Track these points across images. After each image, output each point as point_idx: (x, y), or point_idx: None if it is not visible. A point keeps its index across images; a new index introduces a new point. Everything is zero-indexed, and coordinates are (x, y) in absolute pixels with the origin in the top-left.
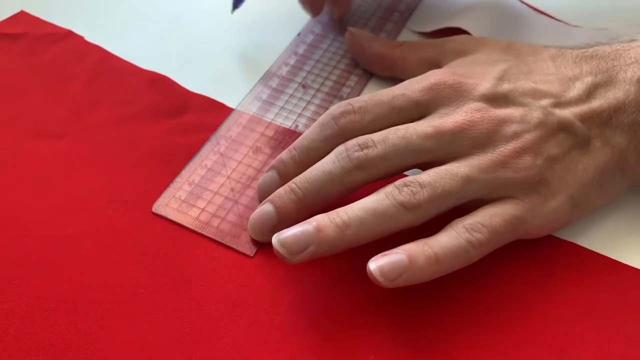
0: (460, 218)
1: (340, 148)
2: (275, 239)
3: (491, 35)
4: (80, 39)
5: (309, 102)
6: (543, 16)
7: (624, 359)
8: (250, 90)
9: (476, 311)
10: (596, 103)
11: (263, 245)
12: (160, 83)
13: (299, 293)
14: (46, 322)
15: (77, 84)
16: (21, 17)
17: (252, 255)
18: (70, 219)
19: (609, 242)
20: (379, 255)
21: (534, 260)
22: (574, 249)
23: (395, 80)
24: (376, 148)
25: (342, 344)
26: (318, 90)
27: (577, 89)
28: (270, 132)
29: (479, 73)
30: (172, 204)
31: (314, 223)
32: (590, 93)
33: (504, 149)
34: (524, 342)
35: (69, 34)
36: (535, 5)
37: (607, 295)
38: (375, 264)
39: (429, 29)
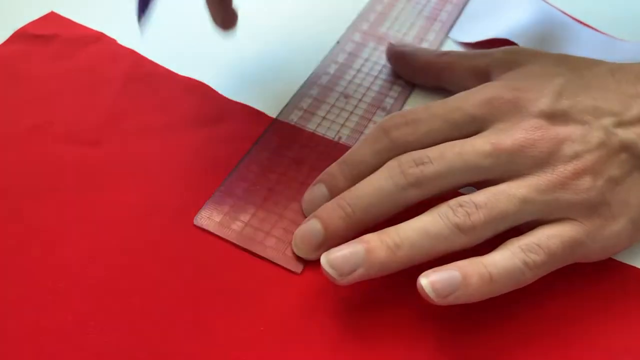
0: (516, 238)
1: (393, 163)
2: (324, 259)
3: (538, 47)
4: (112, 42)
5: (351, 113)
6: (588, 29)
7: None
8: (291, 98)
9: (526, 333)
10: None
11: (310, 262)
12: (197, 90)
13: (348, 311)
14: (83, 340)
15: (111, 89)
16: (51, 18)
17: (299, 272)
18: (105, 231)
19: None
20: (431, 270)
21: (593, 284)
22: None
23: (439, 91)
24: (432, 165)
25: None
26: (360, 100)
27: (638, 107)
28: (312, 144)
29: (536, 87)
30: (215, 216)
31: (365, 245)
32: None
33: (564, 169)
34: None
35: (100, 37)
36: (579, 18)
37: None
38: (427, 280)
39: (474, 39)
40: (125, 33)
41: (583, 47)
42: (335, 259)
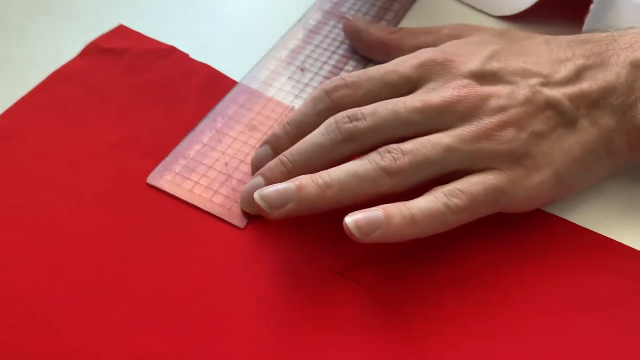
0: (442, 185)
1: (330, 121)
2: (257, 194)
3: None
4: (184, 56)
5: (306, 85)
6: None
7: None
8: (249, 71)
9: (462, 289)
10: (586, 84)
11: (254, 219)
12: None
13: (285, 265)
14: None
15: (188, 105)
16: (121, 31)
17: (243, 227)
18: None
19: (597, 221)
20: (357, 211)
21: (522, 234)
22: (563, 225)
23: None
24: (365, 120)
25: (322, 312)
26: (316, 74)
27: (567, 69)
28: (266, 112)
29: (470, 52)
30: (167, 176)
31: (297, 182)
32: (580, 74)
33: (489, 121)
34: (511, 320)
35: (172, 51)
36: None
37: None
38: (352, 218)
39: (518, 10)
40: (195, 47)
41: None
42: (268, 193)
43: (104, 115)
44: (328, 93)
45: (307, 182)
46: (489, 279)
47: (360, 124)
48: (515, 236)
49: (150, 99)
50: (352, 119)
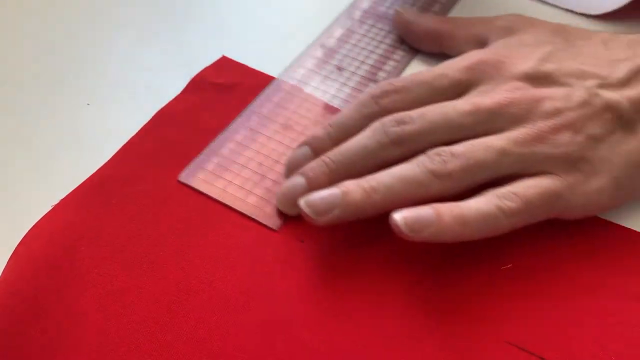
0: (495, 188)
1: (376, 123)
2: (302, 200)
3: None
4: (297, 88)
5: (343, 84)
6: None
7: None
8: (285, 69)
9: (515, 289)
10: None
11: (288, 220)
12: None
13: (321, 268)
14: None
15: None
16: (225, 64)
17: (276, 229)
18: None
19: None
20: (405, 208)
21: (579, 241)
22: (623, 232)
23: (438, 61)
24: (413, 124)
25: (362, 311)
26: (353, 73)
27: (625, 69)
28: (302, 111)
29: (522, 53)
30: (199, 174)
31: (342, 187)
32: (639, 75)
33: (543, 124)
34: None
35: (282, 84)
36: None
37: None
38: (401, 214)
39: (606, 10)
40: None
41: None
42: (313, 199)
43: None
44: (375, 97)
45: (353, 187)
46: (545, 286)
47: (408, 127)
48: (568, 242)
49: (271, 135)
50: (399, 122)
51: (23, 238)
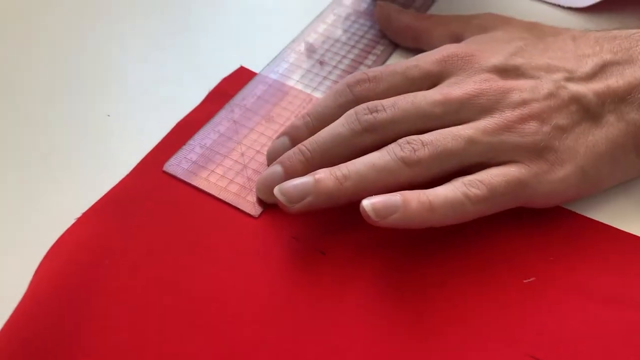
0: (462, 176)
1: (350, 112)
2: (277, 188)
3: None
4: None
5: (324, 78)
6: None
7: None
8: (268, 64)
9: (475, 278)
10: (612, 80)
11: (268, 207)
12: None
13: (298, 253)
14: None
15: None
16: (243, 74)
17: (256, 216)
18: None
19: (621, 216)
20: (374, 195)
21: (542, 229)
22: (584, 222)
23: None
24: (385, 112)
25: (335, 296)
26: (335, 67)
27: (592, 64)
28: (284, 104)
29: (493, 48)
30: (183, 164)
31: (315, 175)
32: (605, 69)
33: (510, 114)
34: (520, 311)
35: (297, 94)
36: None
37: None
38: (369, 201)
39: (585, 3)
40: (319, 86)
41: None
42: (286, 187)
43: None
44: (350, 86)
45: (325, 175)
46: (507, 278)
47: (380, 115)
48: (533, 231)
49: None
50: (372, 110)
51: (47, 254)
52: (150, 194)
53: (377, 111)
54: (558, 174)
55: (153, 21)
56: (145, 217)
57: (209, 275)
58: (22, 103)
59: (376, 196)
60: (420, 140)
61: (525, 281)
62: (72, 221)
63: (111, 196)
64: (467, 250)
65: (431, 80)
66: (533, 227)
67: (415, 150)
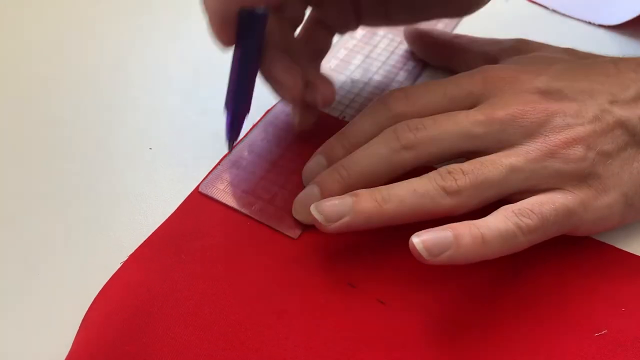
0: (510, 204)
1: (388, 129)
2: (313, 206)
3: None
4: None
5: (356, 95)
6: None
7: None
8: None
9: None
10: None
11: (307, 229)
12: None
13: (340, 274)
14: None
15: None
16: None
17: (295, 237)
18: None
19: None
20: (424, 230)
21: (608, 276)
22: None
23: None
24: (426, 130)
25: (378, 321)
26: (366, 84)
27: (636, 87)
28: (317, 121)
29: (536, 69)
30: (219, 185)
31: (354, 196)
32: None
33: (554, 138)
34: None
35: (339, 121)
36: None
37: None
38: (419, 238)
39: (617, 21)
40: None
41: None
42: (324, 206)
43: (263, 173)
44: (387, 104)
45: (364, 195)
46: (580, 331)
47: (420, 133)
48: (600, 279)
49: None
50: (411, 128)
51: (93, 302)
52: (204, 235)
53: (417, 129)
54: (603, 201)
55: (191, 50)
56: (197, 259)
57: (246, 296)
58: (61, 138)
59: (425, 232)
60: (461, 169)
61: (596, 335)
62: (118, 265)
63: (157, 237)
64: (525, 299)
65: (471, 100)
66: (597, 274)
67: (456, 180)
